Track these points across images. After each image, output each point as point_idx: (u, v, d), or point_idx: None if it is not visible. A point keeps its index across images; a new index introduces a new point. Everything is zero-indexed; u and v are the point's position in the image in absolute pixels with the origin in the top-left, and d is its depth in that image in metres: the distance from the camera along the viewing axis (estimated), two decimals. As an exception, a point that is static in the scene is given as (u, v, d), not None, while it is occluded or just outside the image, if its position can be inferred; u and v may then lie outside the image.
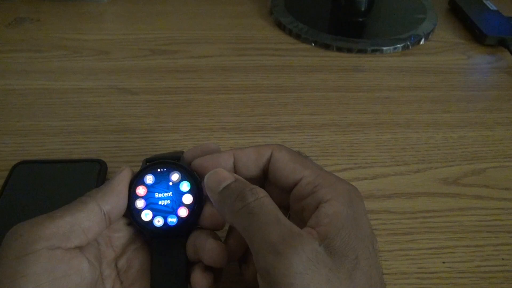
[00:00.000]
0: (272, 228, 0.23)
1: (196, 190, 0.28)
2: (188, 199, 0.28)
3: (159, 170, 0.28)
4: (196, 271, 0.26)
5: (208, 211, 0.28)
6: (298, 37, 0.58)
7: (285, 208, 0.29)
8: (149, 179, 0.28)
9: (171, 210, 0.28)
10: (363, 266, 0.22)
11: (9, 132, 0.43)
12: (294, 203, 0.27)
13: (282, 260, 0.21)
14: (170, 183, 0.28)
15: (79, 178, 0.37)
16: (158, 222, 0.27)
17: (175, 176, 0.28)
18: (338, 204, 0.24)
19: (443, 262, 0.34)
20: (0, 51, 0.53)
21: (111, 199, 0.26)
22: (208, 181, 0.26)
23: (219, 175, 0.26)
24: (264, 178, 0.29)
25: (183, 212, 0.28)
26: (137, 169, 0.28)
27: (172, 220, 0.28)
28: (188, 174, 0.28)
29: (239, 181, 0.26)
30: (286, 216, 0.29)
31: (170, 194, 0.28)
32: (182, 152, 0.30)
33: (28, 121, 0.44)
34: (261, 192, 0.25)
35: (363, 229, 0.24)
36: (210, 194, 0.26)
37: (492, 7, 0.63)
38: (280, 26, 0.60)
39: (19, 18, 0.59)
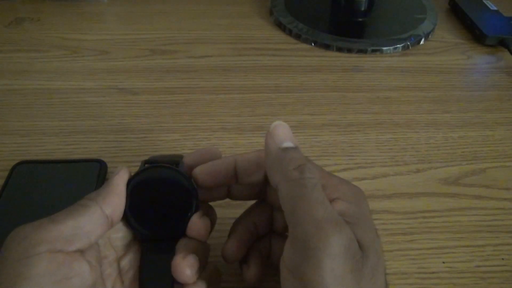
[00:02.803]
0: (320, 207, 0.23)
1: (191, 197, 0.28)
2: (182, 204, 0.28)
3: (156, 173, 0.28)
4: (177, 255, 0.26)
5: (193, 220, 0.27)
6: (298, 37, 0.58)
7: None
8: (146, 181, 0.28)
9: (165, 213, 0.28)
10: (382, 262, 0.23)
11: (9, 132, 0.43)
12: None
13: (322, 236, 0.22)
14: (166, 187, 0.28)
15: (79, 178, 0.37)
16: (151, 224, 0.27)
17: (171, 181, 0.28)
18: (345, 203, 0.25)
19: (443, 262, 0.34)
20: (0, 51, 0.53)
21: (113, 201, 0.26)
22: (274, 129, 0.26)
23: (286, 130, 0.26)
24: (266, 182, 0.29)
25: (176, 217, 0.28)
26: (136, 169, 0.28)
27: (166, 224, 0.27)
28: (185, 179, 0.28)
29: (300, 152, 0.26)
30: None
31: (165, 198, 0.28)
32: (182, 157, 0.30)
33: (28, 121, 0.44)
34: (317, 176, 0.25)
35: (372, 230, 0.24)
36: (270, 144, 0.26)
37: (492, 7, 0.63)
38: (280, 26, 0.60)
39: (19, 18, 0.59)
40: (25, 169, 0.38)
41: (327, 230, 0.22)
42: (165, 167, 0.28)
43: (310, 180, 0.24)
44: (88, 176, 0.37)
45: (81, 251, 0.25)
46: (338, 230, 0.22)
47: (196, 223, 0.27)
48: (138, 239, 0.28)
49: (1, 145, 0.42)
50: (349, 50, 0.56)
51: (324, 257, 0.21)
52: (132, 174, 0.28)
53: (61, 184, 0.37)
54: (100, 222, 0.25)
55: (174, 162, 0.28)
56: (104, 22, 0.60)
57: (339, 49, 0.56)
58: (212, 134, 0.44)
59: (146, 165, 0.28)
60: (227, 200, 0.31)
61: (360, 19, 0.62)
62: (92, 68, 0.52)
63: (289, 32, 0.58)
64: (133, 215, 0.27)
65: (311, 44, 0.57)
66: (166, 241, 0.28)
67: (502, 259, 0.34)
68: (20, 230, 0.23)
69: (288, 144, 0.25)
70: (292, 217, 0.23)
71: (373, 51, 0.56)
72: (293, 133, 0.27)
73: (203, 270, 0.27)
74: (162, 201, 0.28)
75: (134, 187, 0.27)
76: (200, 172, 0.28)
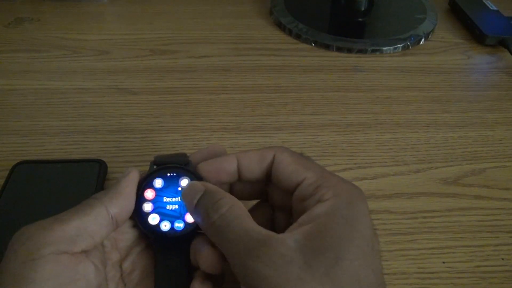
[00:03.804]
0: (238, 241, 0.23)
1: None
2: None
3: (168, 174, 0.28)
4: (195, 280, 0.26)
5: None
6: (298, 37, 0.58)
7: (288, 210, 0.29)
8: (158, 183, 0.28)
9: (179, 215, 0.27)
10: (347, 265, 0.22)
11: (9, 132, 0.43)
12: (296, 205, 0.27)
13: (249, 270, 0.22)
14: (179, 188, 0.28)
15: (79, 178, 0.37)
16: (165, 226, 0.27)
17: (184, 182, 0.28)
18: (332, 204, 0.24)
19: (443, 262, 0.34)
20: (0, 51, 0.53)
21: (119, 202, 0.26)
22: (185, 198, 0.27)
23: (192, 189, 0.27)
24: (267, 181, 0.29)
25: (190, 217, 0.27)
26: (140, 169, 0.28)
27: (179, 225, 0.27)
28: (197, 179, 0.28)
29: (206, 194, 0.26)
30: (289, 219, 0.29)
31: (178, 199, 0.28)
32: (186, 155, 0.30)
33: (28, 121, 0.44)
34: (225, 205, 0.25)
35: (359, 230, 0.24)
36: (188, 209, 0.27)
37: (492, 7, 0.63)
38: (280, 26, 0.60)
39: (19, 18, 0.59)
40: (25, 169, 0.38)
41: (250, 261, 0.22)
42: (176, 168, 0.28)
43: (219, 221, 0.24)
44: (88, 176, 0.37)
45: (86, 252, 0.25)
46: (262, 252, 0.22)
47: None
48: (150, 240, 0.28)
49: (1, 145, 0.42)
50: (349, 50, 0.56)
51: (262, 284, 0.22)
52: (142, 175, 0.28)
53: (61, 184, 0.37)
54: (105, 222, 0.25)
55: (183, 161, 0.28)
56: (104, 22, 0.60)
57: (339, 49, 0.56)
58: (212, 134, 0.44)
59: (155, 167, 0.28)
60: (228, 200, 0.31)
61: (360, 19, 0.62)
62: (92, 68, 0.51)
63: (289, 32, 0.58)
64: (146, 217, 0.27)
65: (311, 44, 0.57)
66: (180, 242, 0.28)
67: (502, 259, 0.34)
68: (25, 231, 0.23)
69: (196, 198, 0.26)
70: (229, 262, 0.24)
71: (373, 51, 0.56)
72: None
73: None
74: (174, 202, 0.28)
75: (146, 190, 0.27)
76: (203, 168, 0.28)
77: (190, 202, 0.26)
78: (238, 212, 0.25)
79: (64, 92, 0.48)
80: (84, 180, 0.37)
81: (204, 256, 0.26)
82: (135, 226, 0.28)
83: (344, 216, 0.24)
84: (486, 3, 0.63)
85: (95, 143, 0.42)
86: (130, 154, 0.41)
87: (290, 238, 0.23)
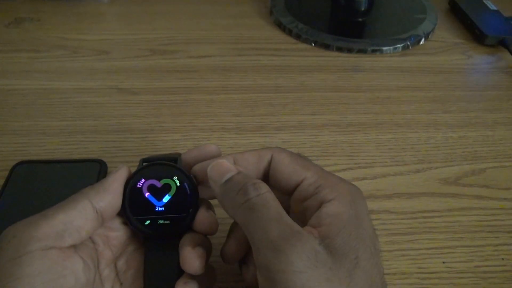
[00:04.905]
0: (273, 225, 0.23)
1: (192, 193, 0.28)
2: (183, 201, 0.28)
3: (156, 171, 0.28)
4: (181, 279, 0.26)
5: (201, 215, 0.28)
6: (298, 37, 0.58)
7: (286, 211, 0.29)
8: (145, 179, 0.28)
9: (166, 211, 0.28)
10: (364, 266, 0.22)
11: (9, 132, 0.43)
12: (295, 205, 0.27)
13: (281, 257, 0.21)
14: (166, 185, 0.28)
15: (79, 178, 0.37)
16: (153, 222, 0.27)
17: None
18: (340, 204, 0.24)
19: (443, 262, 0.34)
20: (0, 51, 0.53)
21: (105, 197, 0.26)
22: (211, 172, 0.26)
23: (222, 167, 0.26)
24: (264, 181, 0.29)
25: (178, 213, 0.28)
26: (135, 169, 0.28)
27: (166, 222, 0.27)
28: (185, 176, 0.28)
29: (242, 174, 0.26)
30: None
31: (165, 195, 0.28)
32: (180, 154, 0.30)
33: (28, 121, 0.44)
34: (264, 187, 0.25)
35: (365, 229, 0.24)
36: (212, 185, 0.26)
37: (492, 7, 0.63)
38: (280, 26, 0.60)
39: (19, 18, 0.59)
40: (25, 169, 0.38)
41: (286, 249, 0.21)
42: (163, 164, 0.28)
43: (257, 199, 0.24)
44: (88, 176, 0.37)
45: (75, 248, 0.24)
46: (299, 244, 0.22)
47: (206, 218, 0.27)
48: (140, 237, 0.28)
49: (1, 145, 0.42)
50: (349, 50, 0.56)
51: (291, 277, 0.21)
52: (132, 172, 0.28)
53: (61, 184, 0.37)
54: (89, 217, 0.25)
55: (172, 159, 0.28)
56: (104, 22, 0.60)
57: (339, 49, 0.56)
58: (212, 134, 0.44)
59: (144, 163, 0.28)
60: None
61: (360, 19, 0.62)
62: (92, 68, 0.52)
63: (289, 32, 0.58)
64: (133, 213, 0.27)
65: (311, 44, 0.57)
66: (169, 239, 0.28)
67: (502, 259, 0.34)
68: (12, 229, 0.23)
69: (227, 176, 0.26)
70: (252, 245, 0.23)
71: (373, 51, 0.56)
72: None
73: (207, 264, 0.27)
74: (163, 199, 0.28)
75: (134, 186, 0.27)
76: (199, 169, 0.28)
77: (217, 180, 0.26)
78: (275, 198, 0.24)
79: (64, 92, 0.48)
80: (84, 180, 0.37)
81: (183, 256, 0.26)
82: (126, 223, 0.28)
83: (352, 216, 0.24)
84: (486, 3, 0.63)
85: (95, 143, 0.42)
86: (130, 154, 0.41)
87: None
